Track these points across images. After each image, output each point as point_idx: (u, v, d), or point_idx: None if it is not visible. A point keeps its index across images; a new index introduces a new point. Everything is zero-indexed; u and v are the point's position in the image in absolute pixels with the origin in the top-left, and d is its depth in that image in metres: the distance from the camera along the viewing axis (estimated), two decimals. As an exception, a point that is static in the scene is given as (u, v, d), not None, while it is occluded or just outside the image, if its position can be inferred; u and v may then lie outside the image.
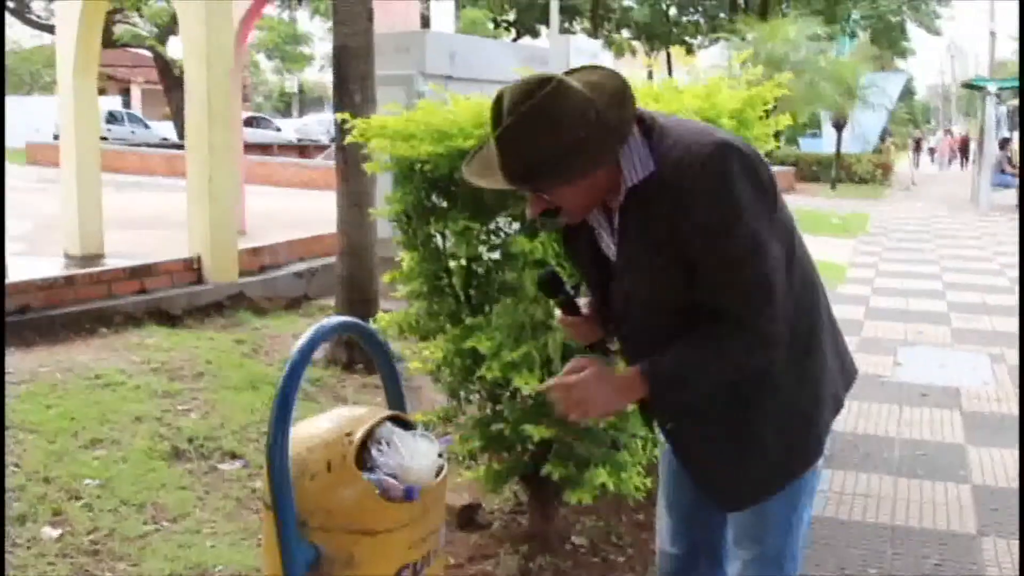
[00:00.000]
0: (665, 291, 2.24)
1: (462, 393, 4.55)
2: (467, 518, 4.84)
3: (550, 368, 4.10)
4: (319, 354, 7.09)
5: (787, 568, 2.57)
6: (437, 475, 2.46)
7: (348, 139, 4.58)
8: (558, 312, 2.50)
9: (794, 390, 2.39)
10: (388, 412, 2.51)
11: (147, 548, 4.45)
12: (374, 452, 2.38)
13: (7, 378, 6.06)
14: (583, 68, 2.21)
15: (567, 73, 2.19)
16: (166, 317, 8.15)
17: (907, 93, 53.07)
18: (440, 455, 2.49)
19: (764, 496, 2.46)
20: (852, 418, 6.63)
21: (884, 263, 14.61)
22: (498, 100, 2.17)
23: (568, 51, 11.40)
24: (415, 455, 2.41)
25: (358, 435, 2.34)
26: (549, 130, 2.06)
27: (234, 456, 5.53)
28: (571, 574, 4.40)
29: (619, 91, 2.13)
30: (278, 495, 2.26)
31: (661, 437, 2.62)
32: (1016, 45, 26.57)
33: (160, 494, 4.96)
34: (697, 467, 2.46)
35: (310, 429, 2.47)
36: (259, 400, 6.22)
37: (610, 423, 4.20)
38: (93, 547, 4.43)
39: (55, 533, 4.51)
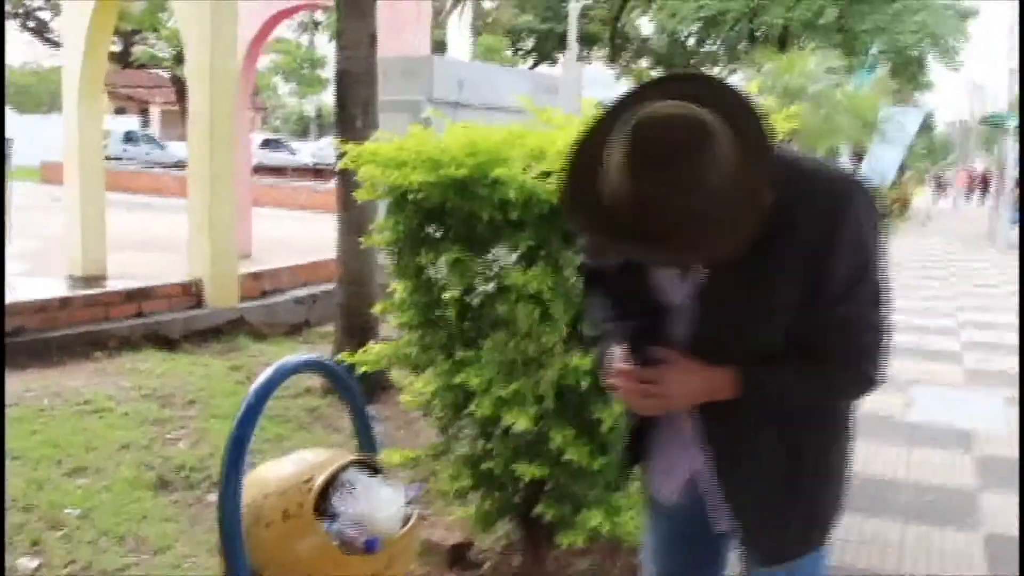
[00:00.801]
0: (758, 330, 2.08)
1: (452, 429, 4.38)
2: (458, 556, 4.69)
3: (542, 406, 3.96)
4: (316, 383, 6.95)
5: None
6: (404, 524, 2.30)
7: (340, 165, 4.45)
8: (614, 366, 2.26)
9: (846, 445, 2.31)
10: (354, 456, 2.36)
11: (128, 580, 4.30)
12: (335, 500, 2.24)
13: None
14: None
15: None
16: (163, 341, 8.03)
17: (926, 128, 52.85)
18: (408, 503, 2.33)
19: (803, 551, 2.30)
20: (860, 459, 6.42)
21: (898, 299, 14.38)
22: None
23: (580, 80, 11.30)
24: (379, 503, 2.26)
25: (318, 481, 2.19)
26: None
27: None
28: None
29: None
30: (228, 545, 2.12)
31: (652, 494, 2.46)
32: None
33: (142, 525, 4.82)
34: (745, 510, 2.26)
35: (268, 473, 2.32)
36: (257, 431, 6.07)
37: (603, 465, 4.04)
38: None
39: (32, 564, 4.38)
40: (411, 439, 5.65)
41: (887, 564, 4.91)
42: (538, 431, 3.95)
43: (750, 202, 1.82)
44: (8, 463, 5.30)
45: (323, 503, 2.20)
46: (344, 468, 2.25)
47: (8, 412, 6.08)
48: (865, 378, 2.12)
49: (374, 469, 2.34)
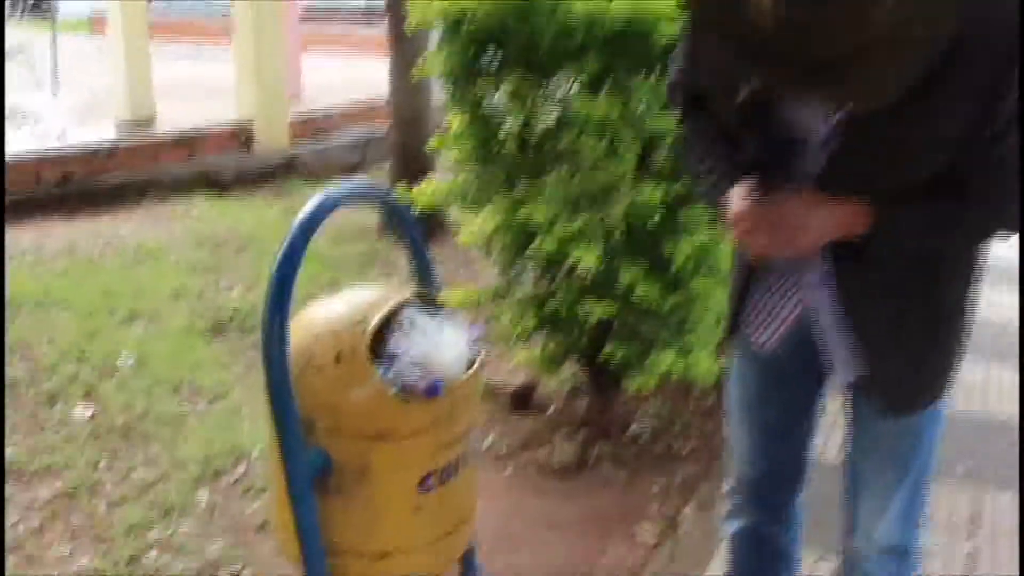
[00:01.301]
0: (910, 166, 1.79)
1: (515, 268, 4.16)
2: (522, 400, 4.54)
3: (610, 242, 3.72)
4: (372, 224, 6.74)
5: (925, 495, 2.22)
6: (468, 367, 2.08)
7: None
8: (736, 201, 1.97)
9: (976, 291, 2.04)
10: (413, 292, 2.12)
11: (182, 430, 4.21)
12: (392, 341, 2.01)
13: (38, 253, 5.82)
14: None
15: None
16: (214, 186, 7.83)
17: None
18: (472, 344, 2.11)
19: (933, 400, 2.07)
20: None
21: None
22: None
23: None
24: (441, 344, 2.04)
25: (373, 321, 1.97)
26: None
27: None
28: (631, 463, 4.07)
29: None
30: (276, 392, 1.92)
31: (746, 341, 2.23)
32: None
33: (197, 373, 4.70)
34: (876, 356, 2.02)
35: (318, 314, 2.10)
36: (306, 273, 5.89)
37: (676, 303, 3.81)
38: (125, 428, 4.20)
39: (87, 413, 4.29)
40: (470, 280, 5.42)
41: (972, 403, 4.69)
42: (605, 269, 3.71)
43: (933, 30, 1.52)
44: (60, 314, 5.19)
45: (379, 345, 1.99)
46: (401, 307, 2.03)
47: (60, 262, 5.96)
48: (1011, 220, 1.84)
49: (434, 307, 2.10)
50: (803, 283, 2.08)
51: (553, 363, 4.18)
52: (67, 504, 3.67)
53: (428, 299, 2.20)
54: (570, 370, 4.36)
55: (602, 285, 3.81)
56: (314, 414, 2.00)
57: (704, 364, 3.94)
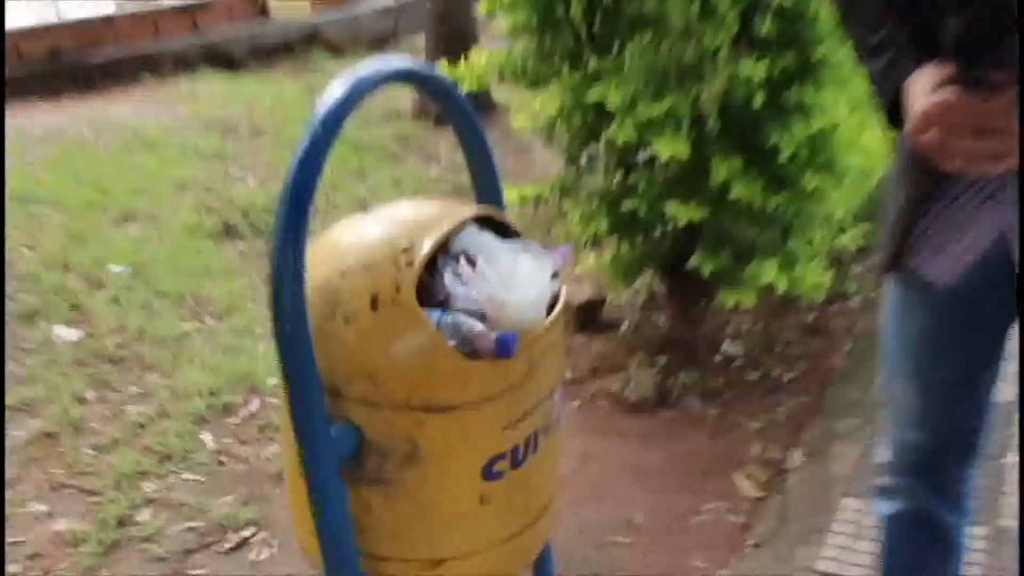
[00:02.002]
0: None
1: (583, 159, 3.70)
2: (589, 317, 4.12)
3: (701, 129, 3.26)
4: (406, 104, 6.26)
5: None
6: (550, 311, 1.64)
7: None
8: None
9: None
10: (474, 210, 1.67)
11: (184, 354, 3.84)
12: (448, 278, 1.57)
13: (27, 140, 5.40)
14: None
15: None
16: (224, 61, 7.33)
17: None
18: (555, 276, 1.66)
19: None
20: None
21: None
22: None
23: None
24: (515, 280, 1.59)
25: (422, 250, 1.52)
26: None
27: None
28: (723, 396, 3.66)
29: None
30: (289, 350, 1.51)
31: (915, 274, 1.80)
32: None
33: (205, 282, 4.31)
34: None
35: (345, 239, 1.67)
36: (333, 161, 5.45)
37: (780, 203, 3.36)
38: (117, 353, 3.83)
39: (72, 335, 3.90)
40: (525, 172, 4.96)
41: None
42: (695, 161, 3.30)
43: None
44: (46, 213, 4.79)
45: (430, 283, 1.54)
46: (459, 229, 1.57)
47: (47, 151, 5.54)
48: None
49: (502, 229, 1.65)
50: (1002, 201, 1.63)
51: (628, 273, 3.78)
52: (47, 448, 3.32)
53: (493, 217, 1.75)
54: (648, 281, 3.93)
55: (691, 181, 3.40)
56: (342, 379, 1.58)
57: (812, 277, 3.53)
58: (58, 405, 3.48)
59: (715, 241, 3.51)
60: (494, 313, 1.59)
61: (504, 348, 1.55)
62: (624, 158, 3.53)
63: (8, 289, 4.14)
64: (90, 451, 3.31)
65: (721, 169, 3.28)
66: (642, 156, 3.49)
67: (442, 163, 5.66)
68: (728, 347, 3.91)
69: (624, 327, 4.06)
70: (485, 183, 1.89)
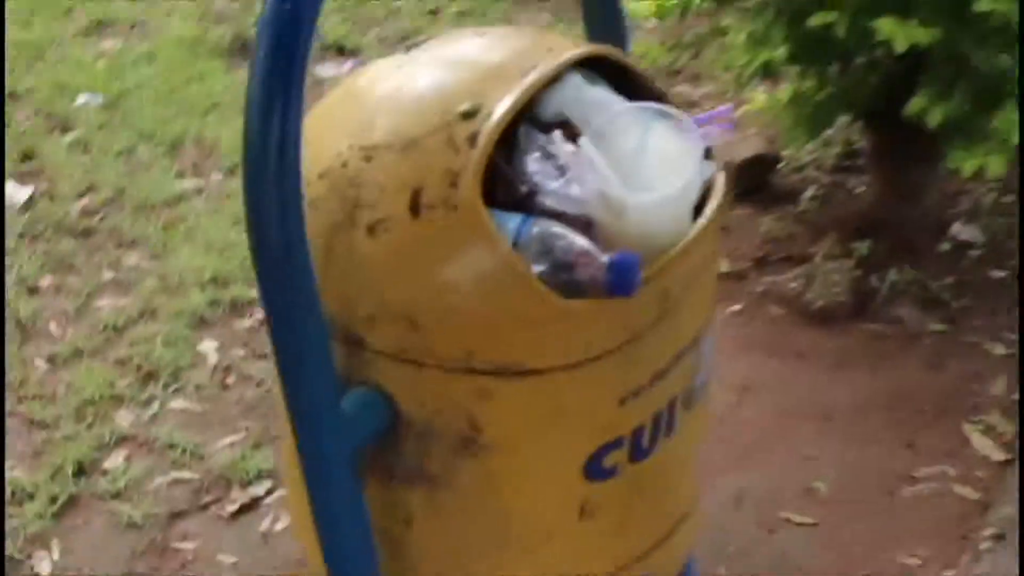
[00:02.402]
0: None
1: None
2: (755, 182, 3.90)
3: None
4: None
5: None
6: (699, 212, 1.42)
7: None
8: None
9: None
10: (579, 48, 1.44)
11: (178, 226, 3.71)
12: (535, 163, 1.37)
13: None
14: None
15: None
16: None
17: None
18: (708, 156, 1.44)
19: None
20: None
21: None
22: None
23: None
24: (641, 168, 1.37)
25: (496, 114, 1.32)
26: None
27: (341, 52, 4.64)
28: (952, 302, 3.43)
29: None
30: (271, 273, 1.33)
31: None
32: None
33: (208, 123, 4.18)
34: None
35: (377, 93, 1.47)
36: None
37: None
38: (85, 222, 3.75)
39: (22, 194, 3.81)
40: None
41: None
42: None
43: None
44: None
45: (505, 169, 1.36)
46: (554, 81, 1.34)
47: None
48: None
49: (622, 80, 1.41)
50: None
51: (815, 119, 3.61)
52: (-15, 359, 3.21)
53: (610, 59, 1.51)
54: (844, 132, 3.68)
55: None
56: (364, 322, 1.40)
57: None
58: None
59: (948, 77, 3.29)
60: (608, 220, 1.39)
61: (621, 280, 1.36)
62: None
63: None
64: (42, 364, 3.24)
65: (961, -32, 3.08)
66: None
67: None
68: (960, 230, 3.67)
69: (807, 197, 3.81)
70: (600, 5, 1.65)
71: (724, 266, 3.56)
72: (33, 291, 3.45)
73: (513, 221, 1.36)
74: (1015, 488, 2.81)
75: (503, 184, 1.40)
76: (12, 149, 3.94)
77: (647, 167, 1.41)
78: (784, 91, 3.60)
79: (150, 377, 3.19)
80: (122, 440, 2.99)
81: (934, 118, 3.24)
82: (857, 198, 3.79)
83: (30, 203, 3.75)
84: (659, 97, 1.57)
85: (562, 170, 1.39)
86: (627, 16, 1.67)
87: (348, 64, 4.55)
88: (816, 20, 3.27)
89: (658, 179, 1.41)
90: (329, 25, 4.70)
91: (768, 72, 3.52)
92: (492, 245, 1.33)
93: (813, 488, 2.85)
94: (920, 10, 3.13)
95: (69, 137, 4.02)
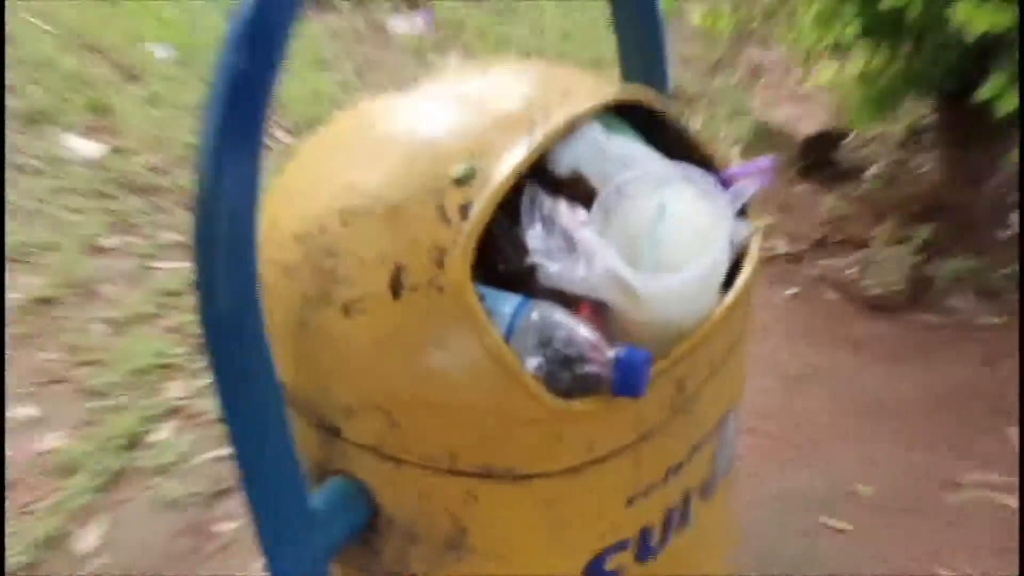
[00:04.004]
0: None
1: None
2: (819, 158, 3.60)
3: None
4: None
5: None
6: (729, 281, 1.16)
7: None
8: None
9: None
10: (600, 92, 1.19)
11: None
12: (537, 235, 1.10)
13: None
14: None
15: None
16: None
17: None
18: (742, 214, 1.18)
19: None
20: None
21: None
22: None
23: None
24: (660, 244, 1.12)
25: (493, 180, 1.08)
26: None
27: (414, 5, 4.36)
28: (1010, 293, 3.14)
29: None
30: (221, 349, 1.06)
31: None
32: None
33: (280, 76, 3.87)
34: None
35: (359, 144, 1.22)
36: None
37: None
38: (152, 179, 3.52)
39: (91, 150, 3.61)
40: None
41: None
42: None
43: None
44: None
45: (501, 236, 1.11)
46: (568, 131, 1.09)
47: None
48: None
49: (652, 125, 1.16)
50: None
51: (884, 97, 3.31)
52: (43, 319, 3.03)
53: (640, 103, 1.25)
54: (912, 112, 3.36)
55: None
56: (339, 411, 1.17)
57: None
58: (63, 255, 3.15)
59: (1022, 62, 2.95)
60: (620, 303, 1.10)
61: (629, 380, 1.10)
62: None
63: (11, 78, 3.81)
64: (100, 327, 3.02)
65: (1042, -47, 2.74)
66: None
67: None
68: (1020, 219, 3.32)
69: (870, 176, 3.49)
70: (637, 41, 1.37)
71: (783, 246, 3.29)
72: (97, 250, 3.25)
73: (509, 304, 1.09)
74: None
75: (503, 253, 1.15)
76: (84, 102, 3.72)
77: (667, 242, 1.13)
78: (853, 66, 3.27)
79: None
80: (171, 412, 2.78)
81: (1005, 105, 2.94)
82: (921, 178, 3.48)
83: (99, 159, 3.53)
84: (693, 146, 1.30)
85: (570, 243, 1.12)
86: (668, 49, 1.38)
87: (421, 16, 4.28)
88: (889, 2, 2.98)
89: (680, 256, 1.13)
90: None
91: (837, 51, 3.21)
92: (481, 335, 1.06)
93: (855, 491, 2.58)
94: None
95: (140, 90, 3.80)
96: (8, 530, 2.48)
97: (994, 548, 2.43)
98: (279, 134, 3.68)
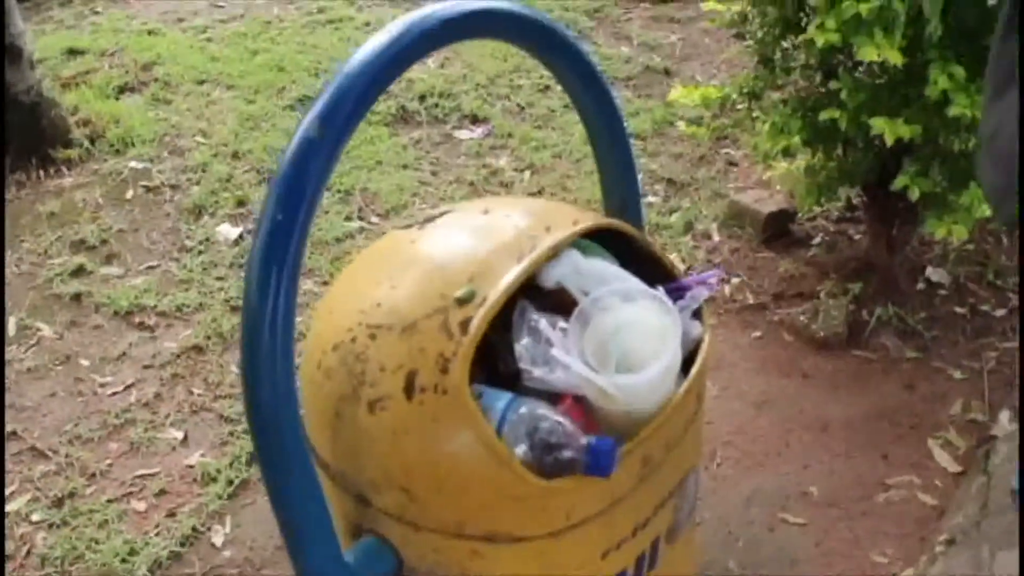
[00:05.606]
0: None
1: (777, 57, 2.96)
2: (778, 230, 3.42)
3: (920, 31, 2.49)
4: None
5: None
6: (686, 369, 1.04)
7: None
8: None
9: None
10: (578, 227, 1.07)
11: (344, 258, 3.33)
12: (525, 346, 0.99)
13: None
14: None
15: None
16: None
17: None
18: (696, 316, 1.06)
19: None
20: None
21: None
22: None
23: None
24: (624, 351, 1.00)
25: (488, 302, 0.95)
26: None
27: (475, 120, 4.21)
28: (924, 333, 2.93)
29: None
30: (264, 431, 0.97)
31: None
32: None
33: (373, 176, 3.77)
34: None
35: (387, 269, 1.09)
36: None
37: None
38: None
39: (233, 232, 3.45)
40: (707, 69, 4.20)
41: None
42: (909, 68, 2.56)
43: None
44: (220, 95, 4.32)
45: (497, 342, 0.97)
46: (552, 255, 0.98)
47: (230, 27, 5.07)
48: None
49: (631, 247, 1.05)
50: None
51: (823, 188, 3.05)
52: (193, 363, 2.90)
53: (623, 230, 1.14)
54: (845, 197, 3.18)
55: (902, 90, 2.66)
56: (369, 486, 1.06)
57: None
58: (210, 313, 3.08)
59: (927, 160, 2.78)
60: (593, 399, 0.98)
61: (598, 463, 0.99)
62: (825, 61, 2.80)
63: (178, 180, 3.73)
64: (236, 370, 2.86)
65: (939, 79, 2.52)
66: (847, 57, 2.73)
67: (633, 43, 4.90)
68: (932, 273, 3.15)
69: (816, 244, 3.34)
70: (616, 180, 1.25)
71: (750, 299, 3.12)
72: (235, 309, 3.10)
73: (502, 400, 0.99)
74: (966, 498, 2.37)
75: (500, 356, 1.04)
76: (231, 196, 3.62)
77: (630, 347, 1.03)
78: (800, 163, 3.10)
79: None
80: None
81: (915, 192, 2.77)
82: (854, 245, 3.29)
83: (238, 239, 3.42)
84: (658, 261, 1.18)
85: (548, 357, 1.01)
86: (640, 192, 1.26)
87: (479, 130, 4.16)
88: (825, 115, 2.81)
89: (641, 358, 1.03)
90: (467, 100, 4.28)
91: (787, 153, 3.05)
92: (478, 430, 0.95)
93: (807, 492, 2.43)
94: (907, 107, 2.66)
95: (271, 187, 3.64)
96: (159, 527, 2.40)
97: (915, 537, 2.28)
98: (374, 219, 3.58)
